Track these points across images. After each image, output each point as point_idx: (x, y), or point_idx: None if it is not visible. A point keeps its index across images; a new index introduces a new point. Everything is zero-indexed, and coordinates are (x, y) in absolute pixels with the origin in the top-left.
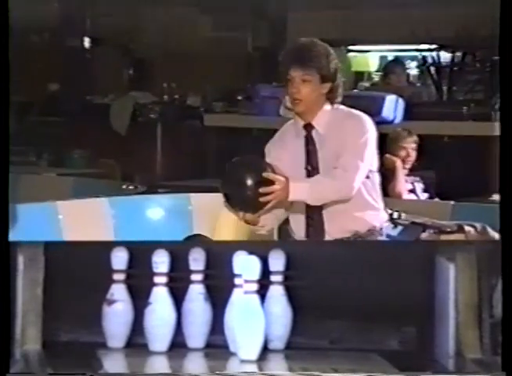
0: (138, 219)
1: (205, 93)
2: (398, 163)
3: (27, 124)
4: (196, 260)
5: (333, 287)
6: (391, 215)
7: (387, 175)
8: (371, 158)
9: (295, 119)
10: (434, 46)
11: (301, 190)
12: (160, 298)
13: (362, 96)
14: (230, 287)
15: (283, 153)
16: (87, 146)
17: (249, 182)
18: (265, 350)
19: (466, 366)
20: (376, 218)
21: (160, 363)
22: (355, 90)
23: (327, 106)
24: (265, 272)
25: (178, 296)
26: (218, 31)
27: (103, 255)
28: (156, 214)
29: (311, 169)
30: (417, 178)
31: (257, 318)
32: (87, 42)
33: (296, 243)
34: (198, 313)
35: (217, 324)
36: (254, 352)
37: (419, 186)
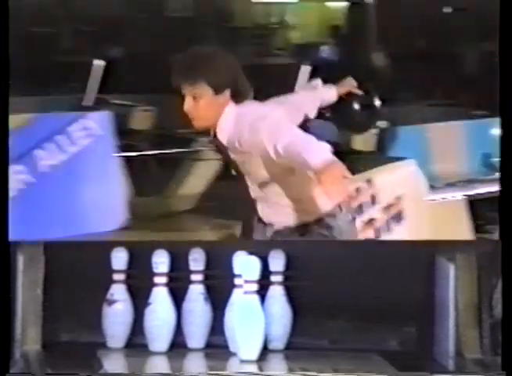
0: None
1: None
2: None
3: None
4: (196, 260)
5: (333, 287)
6: None
7: None
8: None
9: None
10: None
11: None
12: (160, 298)
13: None
14: (230, 287)
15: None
16: None
17: None
18: (265, 350)
19: (466, 366)
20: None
21: (160, 363)
22: None
23: (229, 110)
24: (265, 272)
25: (178, 296)
26: None
27: (103, 255)
28: None
29: (238, 175)
30: None
31: (257, 318)
32: None
33: (296, 243)
34: (198, 313)
35: (217, 324)
36: (254, 353)
37: None
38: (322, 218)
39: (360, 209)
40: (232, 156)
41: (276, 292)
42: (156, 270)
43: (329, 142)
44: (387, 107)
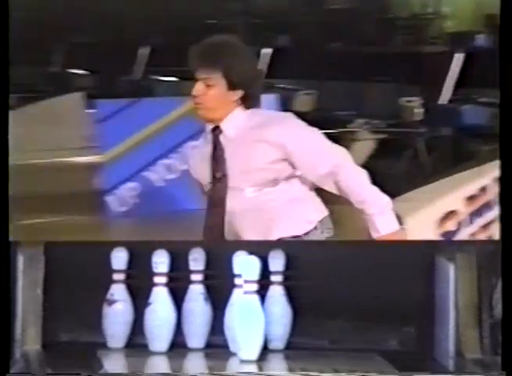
0: None
1: None
2: None
3: None
4: (196, 260)
5: (333, 287)
6: None
7: None
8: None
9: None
10: None
11: (390, 222)
12: (160, 298)
13: None
14: (230, 287)
15: (197, 160)
16: None
17: None
18: (265, 350)
19: (466, 366)
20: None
21: (160, 363)
22: None
23: (240, 111)
24: (265, 272)
25: (178, 296)
26: None
27: (103, 255)
28: None
29: (222, 176)
30: None
31: (257, 318)
32: None
33: (296, 243)
34: (198, 313)
35: (217, 324)
36: (254, 353)
37: None
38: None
39: None
40: (228, 159)
41: (276, 292)
42: (156, 270)
43: (478, 126)
44: None
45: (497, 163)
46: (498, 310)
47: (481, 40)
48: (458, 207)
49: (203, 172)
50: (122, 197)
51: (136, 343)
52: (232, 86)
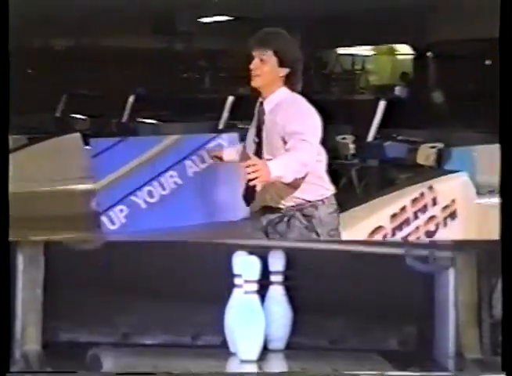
0: None
1: None
2: None
3: None
4: None
5: (333, 287)
6: None
7: None
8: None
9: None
10: None
11: (278, 167)
12: None
13: None
14: (230, 287)
15: (251, 126)
16: None
17: None
18: (265, 350)
19: (466, 366)
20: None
21: (162, 363)
22: None
23: (283, 90)
24: (265, 273)
25: None
26: None
27: (103, 255)
28: None
29: (258, 142)
30: None
31: (257, 318)
32: None
33: (296, 243)
34: None
35: (217, 324)
36: (254, 353)
37: None
38: (304, 207)
39: (424, 208)
40: (264, 130)
41: (276, 292)
42: None
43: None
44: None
45: (414, 187)
46: (498, 310)
47: (398, 90)
48: (383, 223)
49: (249, 137)
50: (113, 217)
51: (136, 343)
52: (281, 63)
